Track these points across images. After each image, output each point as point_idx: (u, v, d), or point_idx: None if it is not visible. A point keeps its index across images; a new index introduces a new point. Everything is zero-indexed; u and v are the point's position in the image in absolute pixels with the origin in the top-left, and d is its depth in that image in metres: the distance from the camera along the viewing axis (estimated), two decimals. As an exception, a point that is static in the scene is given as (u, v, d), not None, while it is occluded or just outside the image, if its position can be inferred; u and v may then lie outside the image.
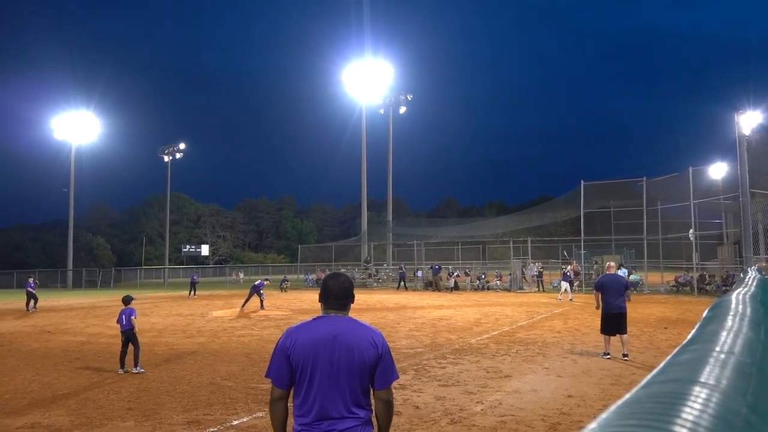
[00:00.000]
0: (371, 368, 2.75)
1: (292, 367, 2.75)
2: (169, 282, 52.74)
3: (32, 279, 23.18)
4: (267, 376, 2.83)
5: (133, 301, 9.96)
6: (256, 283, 21.52)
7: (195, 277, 32.12)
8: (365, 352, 2.73)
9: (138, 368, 9.23)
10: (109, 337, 13.67)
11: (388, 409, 2.81)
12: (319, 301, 2.92)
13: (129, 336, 9.48)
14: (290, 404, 2.85)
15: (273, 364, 2.80)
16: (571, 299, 22.98)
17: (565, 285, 24.08)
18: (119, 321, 9.67)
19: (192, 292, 30.26)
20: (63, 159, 57.54)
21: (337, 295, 2.86)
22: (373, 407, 2.82)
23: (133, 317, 9.60)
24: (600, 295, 9.94)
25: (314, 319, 2.86)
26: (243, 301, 21.09)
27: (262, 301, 20.59)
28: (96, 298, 30.89)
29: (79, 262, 58.84)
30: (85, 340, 13.24)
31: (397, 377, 2.90)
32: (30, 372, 9.49)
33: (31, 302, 21.65)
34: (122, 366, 9.30)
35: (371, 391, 2.82)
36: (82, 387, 8.27)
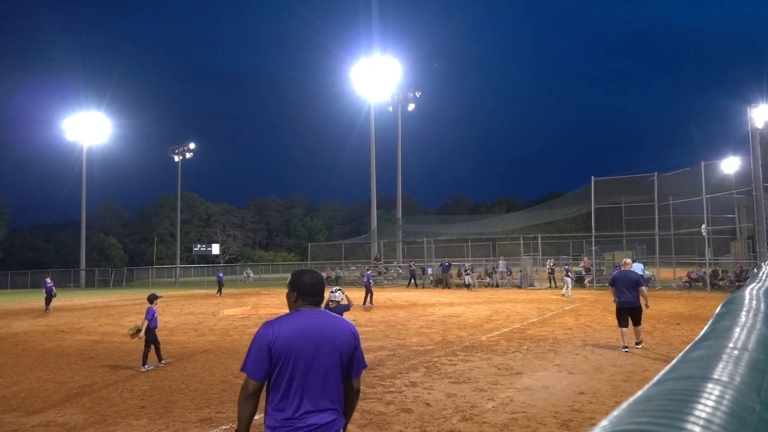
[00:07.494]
0: (350, 359, 2.82)
1: (273, 360, 2.70)
2: (181, 281, 53.10)
3: (49, 278, 23.68)
4: (243, 370, 2.73)
5: (157, 300, 10.00)
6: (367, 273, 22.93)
7: (221, 276, 31.73)
8: (347, 344, 2.80)
9: (145, 367, 9.45)
10: (122, 336, 13.78)
11: (356, 397, 2.91)
12: (294, 294, 2.90)
13: (147, 334, 9.65)
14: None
15: (251, 358, 2.72)
16: (569, 295, 22.72)
17: (566, 280, 23.96)
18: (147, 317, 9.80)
19: (219, 291, 30.04)
20: (75, 160, 58.33)
21: (311, 291, 2.90)
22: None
23: (146, 317, 9.69)
24: (614, 290, 10.29)
25: (294, 312, 2.87)
26: (365, 297, 21.14)
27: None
28: (109, 298, 31.17)
29: (92, 262, 59.48)
30: (98, 339, 13.38)
31: (366, 366, 2.99)
32: (45, 371, 9.61)
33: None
34: (144, 363, 9.49)
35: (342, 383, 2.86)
36: (96, 385, 8.36)
